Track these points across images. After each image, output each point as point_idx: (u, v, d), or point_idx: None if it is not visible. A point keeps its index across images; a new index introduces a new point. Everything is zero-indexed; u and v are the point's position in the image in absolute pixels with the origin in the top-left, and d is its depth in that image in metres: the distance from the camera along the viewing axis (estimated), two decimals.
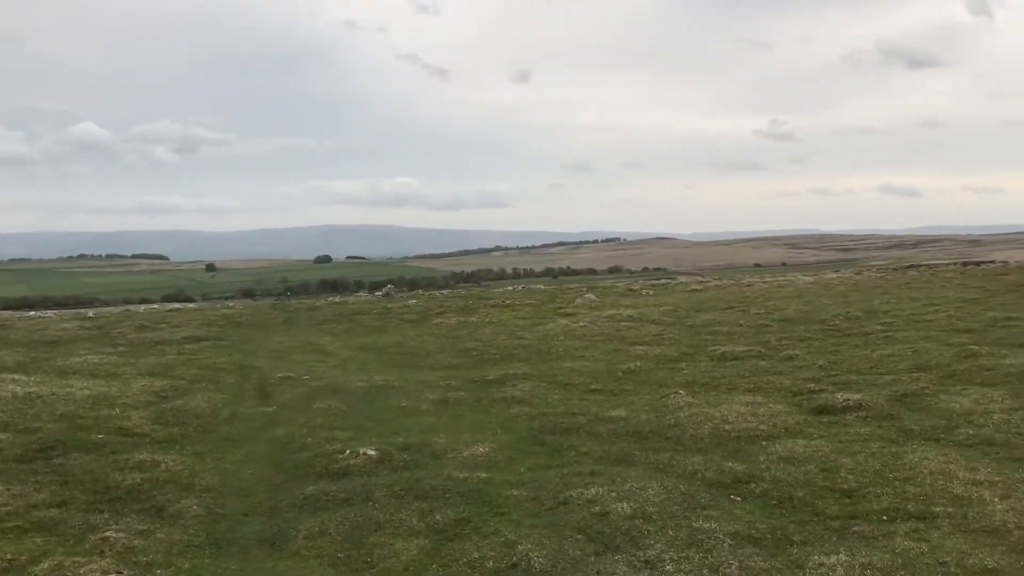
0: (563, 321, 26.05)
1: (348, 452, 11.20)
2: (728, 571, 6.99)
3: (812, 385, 14.23)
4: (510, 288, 46.94)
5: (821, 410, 12.52)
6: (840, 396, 12.94)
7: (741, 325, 22.70)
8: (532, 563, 7.36)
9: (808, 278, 41.12)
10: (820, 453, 10.19)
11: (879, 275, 40.78)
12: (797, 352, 17.66)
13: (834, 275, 42.88)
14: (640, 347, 19.96)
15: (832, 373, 15.20)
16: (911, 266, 47.53)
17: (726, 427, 11.65)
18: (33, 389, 15.68)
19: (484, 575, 7.30)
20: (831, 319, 22.69)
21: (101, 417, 13.80)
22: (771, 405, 12.83)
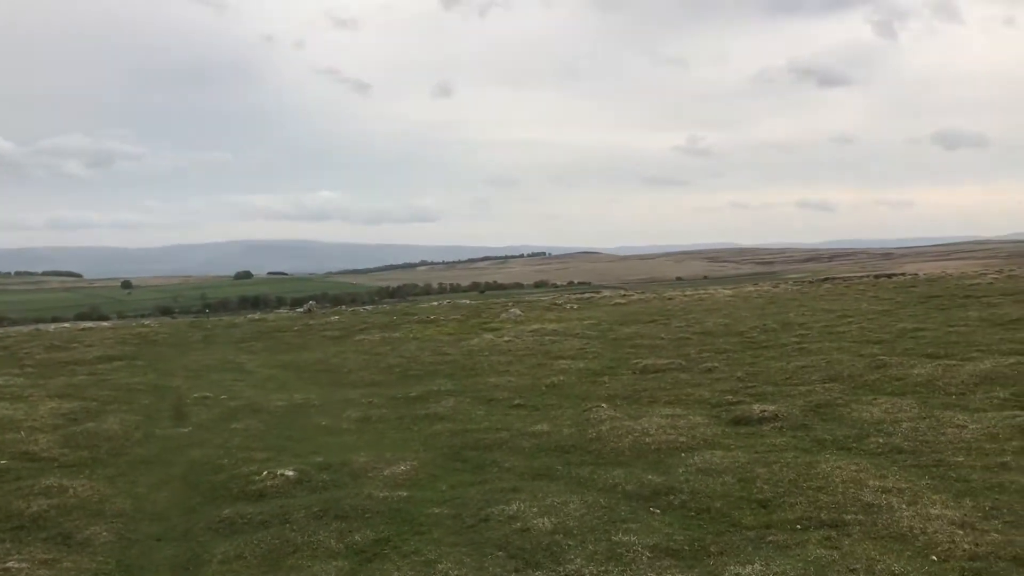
0: (488, 336, 26.05)
1: (265, 473, 10.96)
2: None
3: (730, 397, 14.48)
4: (435, 303, 46.79)
5: (738, 421, 12.74)
6: (757, 407, 13.19)
7: (663, 338, 23.01)
8: None
9: (728, 291, 41.99)
10: (737, 464, 10.35)
11: (795, 288, 41.88)
12: (716, 364, 17.97)
13: (752, 288, 43.87)
14: (564, 361, 20.07)
15: (749, 385, 15.50)
16: (826, 279, 48.90)
17: (646, 440, 11.76)
18: None
19: None
20: (749, 331, 23.17)
21: (5, 441, 13.23)
22: (691, 417, 13.00)
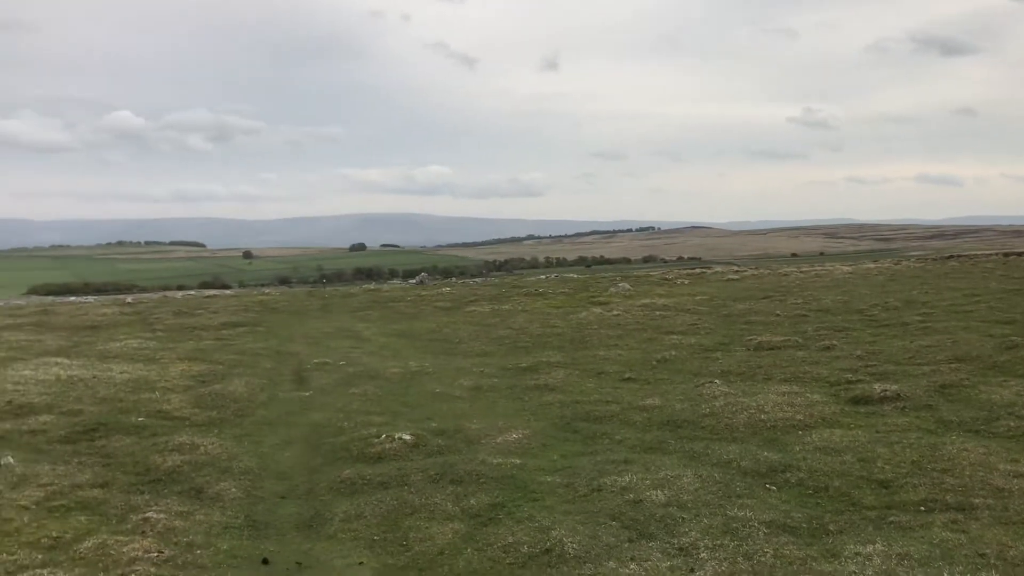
0: (597, 310, 26.01)
1: (384, 436, 11.30)
2: (763, 559, 6.96)
3: (849, 375, 14.09)
4: (543, 277, 46.96)
5: (858, 400, 12.40)
6: (878, 387, 12.79)
7: (778, 315, 22.52)
8: (566, 549, 7.39)
9: (846, 268, 40.64)
10: (857, 443, 10.10)
11: (918, 265, 40.22)
12: (835, 342, 17.48)
13: (872, 265, 42.36)
14: (675, 336, 19.89)
15: (870, 363, 15.03)
16: (951, 256, 46.80)
17: (762, 417, 11.59)
18: (75, 372, 16.00)
19: (519, 560, 7.34)
20: (869, 309, 22.43)
21: (141, 400, 14.04)
22: (808, 395, 12.73)
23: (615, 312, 24.97)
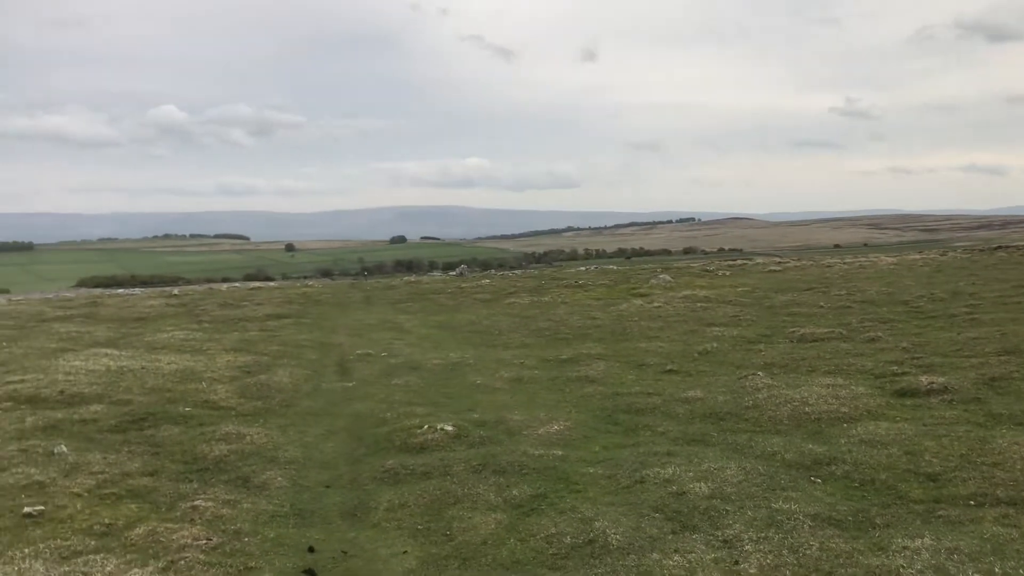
0: (637, 302, 25.91)
1: (426, 427, 11.39)
2: (809, 552, 6.91)
3: (895, 368, 13.89)
4: (582, 268, 46.85)
5: (904, 393, 12.23)
6: (924, 379, 12.60)
7: (821, 307, 22.26)
8: (609, 540, 7.40)
9: (890, 259, 40.02)
10: (903, 436, 9.97)
11: (965, 256, 39.46)
12: (879, 334, 17.24)
13: (917, 256, 41.64)
14: (717, 328, 19.75)
15: (916, 355, 14.81)
16: (999, 247, 45.83)
17: (806, 409, 11.48)
18: (124, 363, 16.31)
19: (562, 550, 7.37)
20: (915, 301, 22.09)
21: (188, 391, 14.29)
22: (852, 387, 12.57)
23: (656, 304, 24.86)
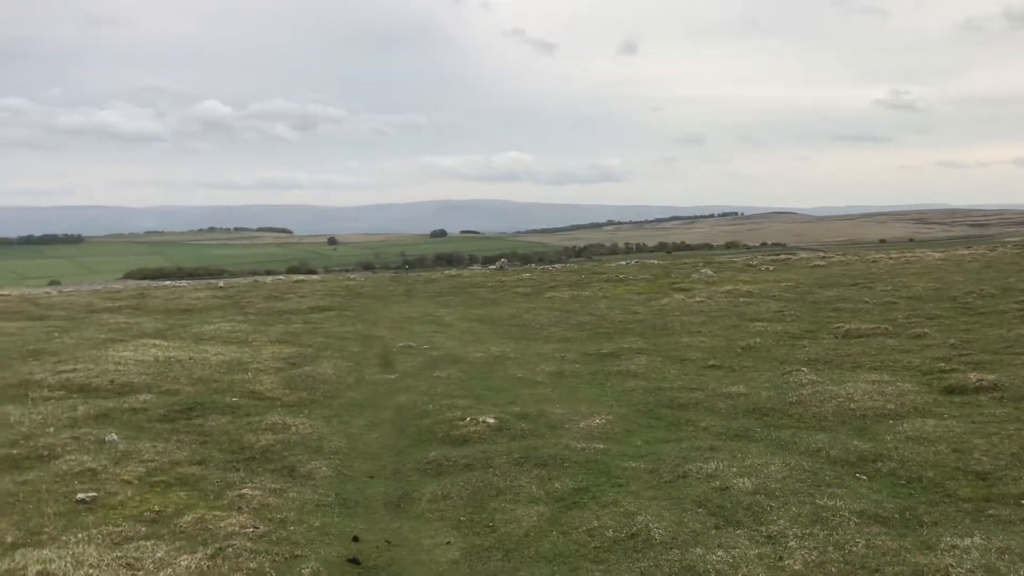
0: (679, 296, 25.78)
1: (468, 419, 11.46)
2: (854, 549, 6.84)
3: (943, 364, 13.69)
4: (623, 263, 46.67)
5: (952, 390, 12.04)
6: (973, 376, 12.40)
7: (867, 302, 21.97)
8: (652, 534, 7.39)
9: (938, 254, 39.32)
10: (951, 433, 9.83)
11: (1016, 251, 38.62)
12: (927, 330, 16.98)
13: (966, 251, 40.85)
14: (760, 323, 19.59)
15: (964, 352, 14.57)
16: None
17: (851, 405, 11.36)
18: (172, 354, 16.61)
19: (604, 543, 7.37)
20: (963, 297, 21.70)
21: (235, 381, 14.51)
22: (899, 384, 12.42)
23: (698, 298, 24.71)
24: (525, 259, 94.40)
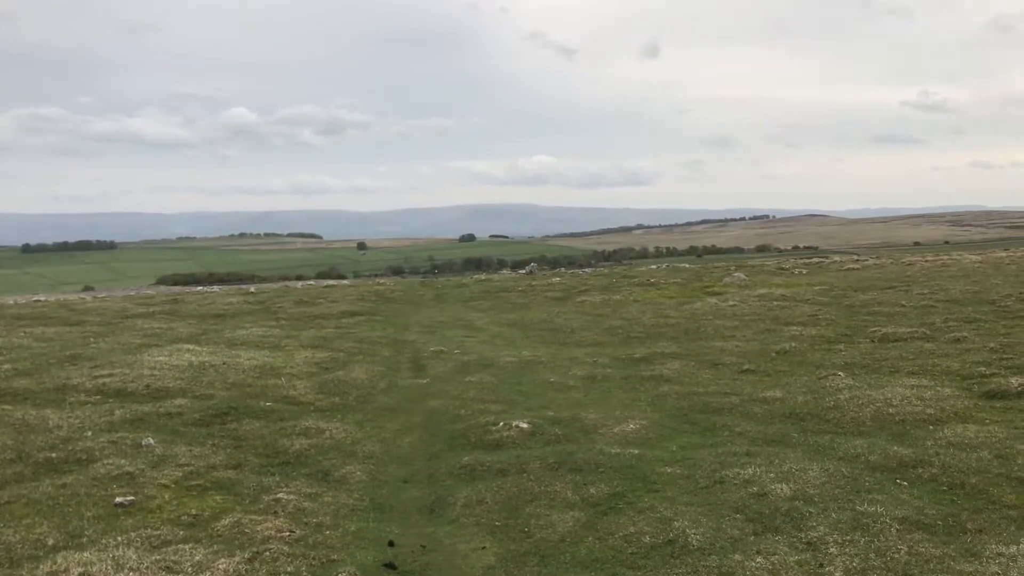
0: (711, 300, 25.59)
1: (501, 424, 11.43)
2: (896, 556, 6.73)
3: (983, 368, 13.45)
4: (654, 266, 46.47)
5: (993, 395, 11.84)
6: (1015, 380, 12.17)
7: (903, 306, 21.68)
8: (689, 540, 7.32)
9: (975, 257, 38.76)
10: (994, 439, 9.65)
11: None
12: (965, 334, 16.71)
13: (1004, 254, 40.25)
14: (794, 327, 19.38)
15: (1005, 356, 14.31)
16: None
17: (889, 410, 11.19)
18: (206, 359, 16.73)
19: (641, 549, 7.31)
20: (1002, 300, 21.34)
21: (268, 386, 14.59)
22: (938, 388, 12.22)
23: (731, 303, 24.51)
24: (554, 263, 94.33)
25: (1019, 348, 14.98)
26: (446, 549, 7.78)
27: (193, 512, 8.49)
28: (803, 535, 7.26)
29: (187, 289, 43.40)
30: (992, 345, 15.42)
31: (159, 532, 7.89)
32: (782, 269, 36.31)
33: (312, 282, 47.60)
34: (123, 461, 10.03)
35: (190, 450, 10.65)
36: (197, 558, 7.22)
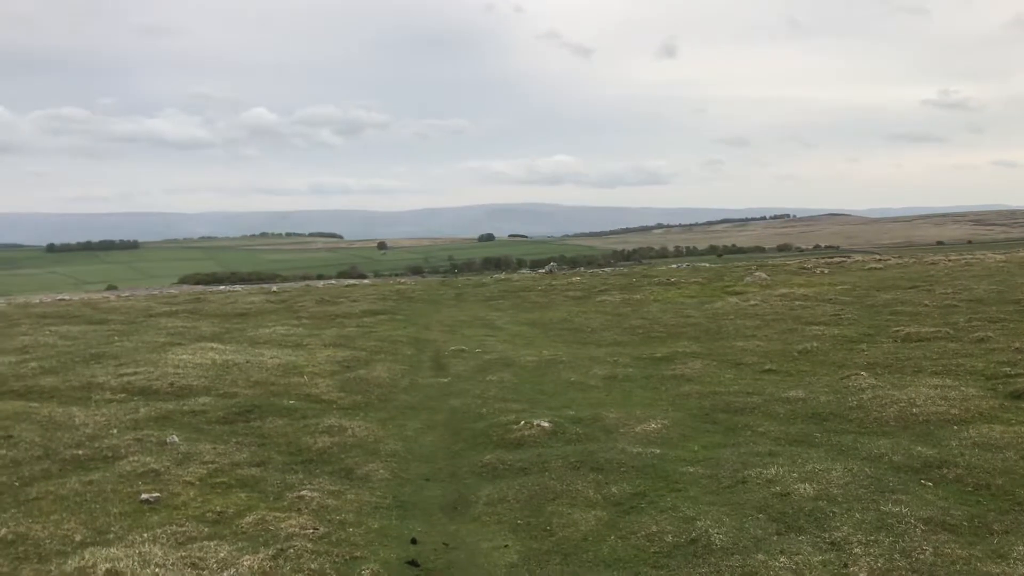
0: (732, 300, 25.50)
1: (522, 423, 11.45)
2: (922, 557, 6.69)
3: (1008, 369, 13.33)
4: (674, 266, 46.33)
5: (1019, 395, 11.72)
6: None
7: (926, 305, 21.51)
8: (712, 539, 7.30)
9: (998, 256, 38.36)
10: (1020, 439, 9.56)
11: None
12: (990, 334, 16.56)
13: None
14: (816, 327, 19.28)
15: None
16: None
17: (913, 410, 11.12)
18: (229, 357, 16.86)
19: (664, 549, 7.31)
20: None
21: (291, 384, 14.68)
22: (962, 388, 12.12)
23: (752, 302, 24.41)
24: (574, 263, 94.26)
25: None
26: (468, 547, 7.81)
27: (218, 509, 8.56)
28: (827, 535, 7.23)
29: (210, 288, 43.72)
30: (1017, 345, 15.26)
31: (184, 529, 7.96)
32: (804, 268, 36.10)
33: (333, 281, 47.84)
34: (148, 458, 10.12)
35: (214, 448, 10.73)
36: (222, 555, 7.29)
